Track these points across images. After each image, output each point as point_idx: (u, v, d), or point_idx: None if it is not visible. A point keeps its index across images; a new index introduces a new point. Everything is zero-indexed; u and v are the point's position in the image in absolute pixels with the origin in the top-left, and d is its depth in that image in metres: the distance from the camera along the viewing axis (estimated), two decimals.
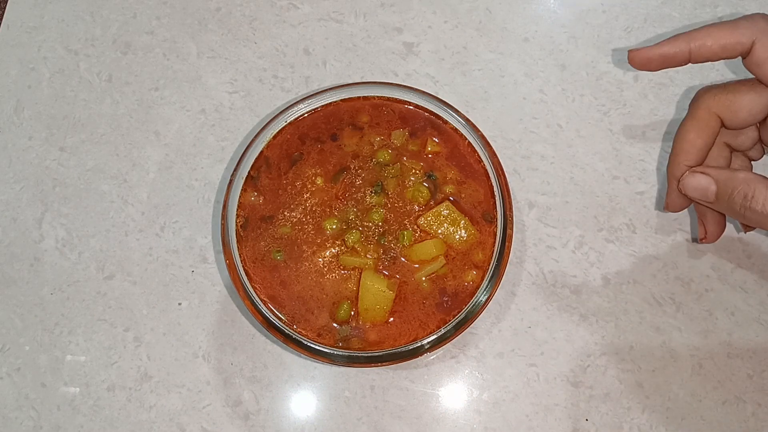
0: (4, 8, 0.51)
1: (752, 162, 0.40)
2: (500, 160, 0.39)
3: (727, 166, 0.39)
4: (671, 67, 0.36)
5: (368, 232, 0.39)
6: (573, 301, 0.42)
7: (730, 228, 0.43)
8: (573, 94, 0.47)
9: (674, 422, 0.39)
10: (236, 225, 0.39)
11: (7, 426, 0.41)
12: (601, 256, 0.43)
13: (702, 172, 0.36)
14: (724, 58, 0.35)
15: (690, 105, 0.38)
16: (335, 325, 0.37)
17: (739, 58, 0.35)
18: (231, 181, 0.39)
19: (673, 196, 0.39)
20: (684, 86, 0.47)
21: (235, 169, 0.39)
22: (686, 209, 0.42)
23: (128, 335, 0.42)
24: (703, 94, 0.37)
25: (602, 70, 0.47)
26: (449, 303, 0.37)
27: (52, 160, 0.46)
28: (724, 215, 0.39)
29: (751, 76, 0.36)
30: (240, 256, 0.39)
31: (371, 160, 0.40)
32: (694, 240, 0.43)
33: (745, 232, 0.42)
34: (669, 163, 0.39)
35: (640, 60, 0.36)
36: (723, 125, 0.37)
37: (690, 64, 0.36)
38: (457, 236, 0.38)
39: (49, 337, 0.42)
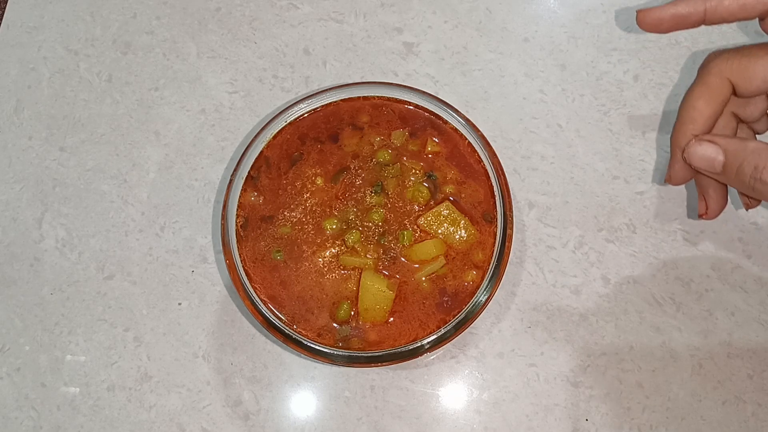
0: (4, 8, 0.51)
1: (756, 136, 0.38)
2: (500, 160, 0.39)
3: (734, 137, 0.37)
4: (683, 29, 0.34)
5: (368, 232, 0.39)
6: (573, 301, 0.42)
7: (730, 229, 0.43)
8: (573, 94, 0.47)
9: (674, 422, 0.39)
10: (236, 225, 0.39)
11: (7, 426, 0.41)
12: (601, 256, 0.43)
13: (710, 141, 0.34)
14: (741, 19, 0.33)
15: (699, 70, 0.35)
16: (335, 325, 0.37)
17: (756, 20, 0.33)
18: (231, 181, 0.39)
19: (676, 168, 0.36)
20: (685, 86, 0.47)
21: (235, 169, 0.39)
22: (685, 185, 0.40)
23: (128, 335, 0.42)
24: (714, 57, 0.34)
25: (602, 70, 0.47)
26: (449, 303, 0.37)
27: (52, 160, 0.46)
28: (726, 189, 0.37)
29: (767, 39, 0.34)
30: (240, 256, 0.39)
31: (371, 160, 0.40)
32: (692, 217, 0.42)
33: (747, 209, 0.39)
34: (673, 131, 0.36)
35: (651, 21, 0.34)
36: (733, 93, 0.35)
37: (704, 26, 0.34)
38: (457, 236, 0.38)
39: (49, 337, 0.42)
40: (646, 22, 0.34)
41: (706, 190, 0.37)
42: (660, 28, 0.34)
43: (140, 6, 0.51)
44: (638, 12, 0.34)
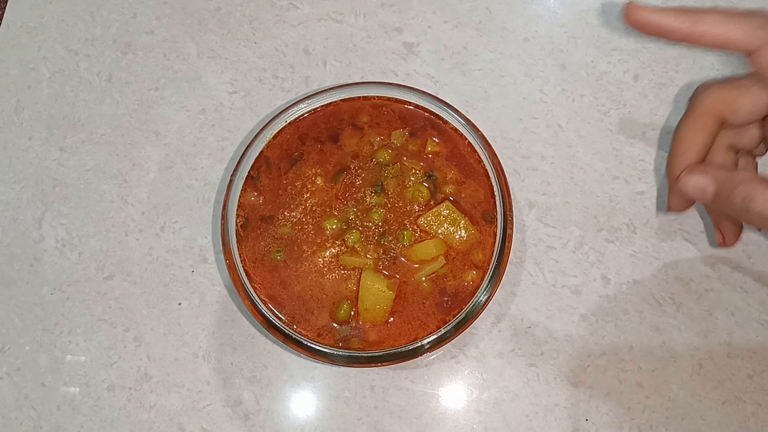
0: (4, 8, 0.51)
1: (758, 157, 0.40)
2: (500, 160, 0.39)
3: (735, 168, 0.38)
4: (663, 38, 0.34)
5: (368, 232, 0.39)
6: (573, 301, 0.42)
7: None
8: (573, 94, 0.47)
9: (674, 422, 0.39)
10: (236, 225, 0.39)
11: (7, 426, 0.41)
12: (601, 256, 0.43)
13: (701, 171, 0.35)
14: (724, 49, 0.34)
15: (689, 101, 0.37)
16: (335, 325, 0.37)
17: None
18: (231, 181, 0.39)
19: (674, 197, 0.39)
20: (684, 86, 0.47)
21: (235, 169, 0.39)
22: (691, 210, 0.41)
23: (128, 335, 0.42)
24: (702, 91, 0.36)
25: (602, 70, 0.47)
26: (449, 303, 0.37)
27: (52, 160, 0.46)
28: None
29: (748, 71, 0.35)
30: (240, 256, 0.39)
31: (371, 160, 0.40)
32: (713, 246, 0.43)
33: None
34: (668, 162, 0.38)
35: (636, 19, 0.34)
36: (723, 123, 0.36)
37: (685, 43, 0.34)
38: (457, 236, 0.38)
39: (49, 337, 0.42)
40: (631, 18, 0.34)
41: (720, 222, 0.39)
42: (643, 29, 0.34)
43: (140, 6, 0.51)
44: (627, 4, 0.34)
